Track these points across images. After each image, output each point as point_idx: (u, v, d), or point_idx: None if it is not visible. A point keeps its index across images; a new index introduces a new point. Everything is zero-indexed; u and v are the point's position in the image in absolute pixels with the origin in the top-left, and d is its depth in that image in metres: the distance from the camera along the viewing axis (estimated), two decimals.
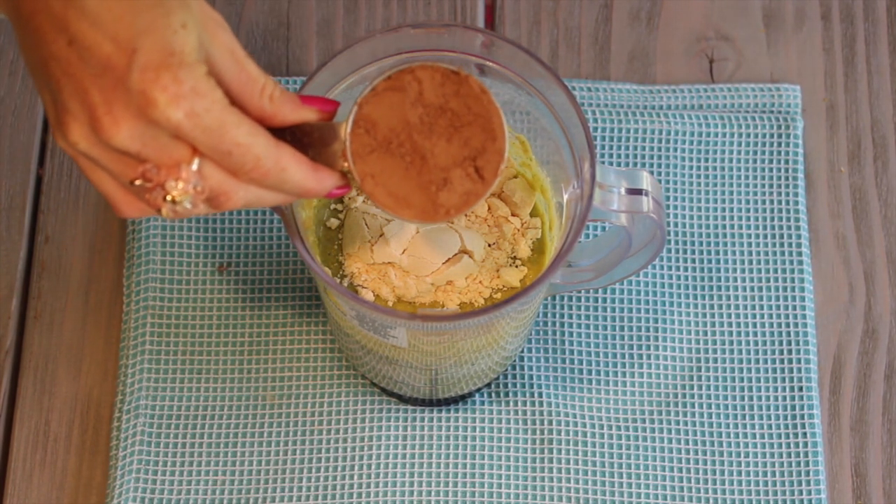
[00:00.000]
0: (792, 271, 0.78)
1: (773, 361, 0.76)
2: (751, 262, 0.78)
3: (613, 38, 0.84)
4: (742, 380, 0.76)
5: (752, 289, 0.78)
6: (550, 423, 0.75)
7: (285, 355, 0.76)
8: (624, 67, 0.84)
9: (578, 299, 0.78)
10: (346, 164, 0.59)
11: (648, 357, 0.77)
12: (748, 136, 0.81)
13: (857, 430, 0.76)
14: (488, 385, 0.76)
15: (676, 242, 0.79)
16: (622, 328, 0.77)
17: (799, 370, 0.76)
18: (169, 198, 0.55)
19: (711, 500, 0.74)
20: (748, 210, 0.79)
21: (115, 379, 0.77)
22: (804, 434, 0.75)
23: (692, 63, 0.84)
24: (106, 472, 0.75)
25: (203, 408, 0.75)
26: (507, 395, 0.76)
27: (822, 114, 0.83)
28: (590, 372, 0.76)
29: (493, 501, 0.73)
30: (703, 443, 0.75)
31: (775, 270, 0.78)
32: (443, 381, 0.72)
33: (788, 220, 0.79)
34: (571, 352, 0.77)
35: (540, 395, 0.75)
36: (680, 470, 0.74)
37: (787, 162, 0.80)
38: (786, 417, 0.75)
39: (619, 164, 0.80)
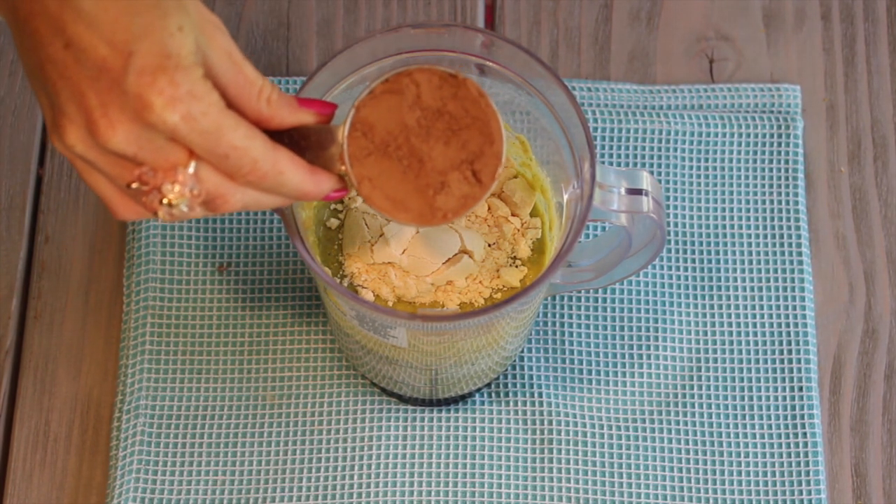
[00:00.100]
0: (792, 271, 0.78)
1: (773, 361, 0.76)
2: (751, 262, 0.78)
3: (613, 38, 0.84)
4: (742, 380, 0.76)
5: (752, 289, 0.78)
6: (550, 423, 0.75)
7: (285, 355, 0.76)
8: (624, 67, 0.84)
9: (578, 299, 0.78)
10: (343, 167, 0.59)
11: (648, 357, 0.77)
12: (748, 136, 0.81)
13: (857, 430, 0.76)
14: (488, 385, 0.76)
15: (676, 242, 0.79)
16: (622, 328, 0.77)
17: (799, 370, 0.76)
18: (165, 201, 0.55)
19: (711, 500, 0.74)
20: (748, 210, 0.79)
21: (115, 379, 0.77)
22: (804, 434, 0.75)
23: (692, 63, 0.84)
24: (106, 472, 0.75)
25: (203, 408, 0.75)
26: (507, 395, 0.76)
27: (822, 114, 0.83)
28: (590, 372, 0.76)
29: (493, 501, 0.73)
30: (703, 443, 0.75)
31: (775, 270, 0.78)
32: (443, 381, 0.72)
33: (788, 220, 0.79)
34: (571, 352, 0.77)
35: (540, 395, 0.75)
36: (680, 470, 0.74)
37: (787, 162, 0.80)
38: (786, 417, 0.75)
39: (619, 164, 0.80)
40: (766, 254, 0.78)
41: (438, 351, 0.68)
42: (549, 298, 0.77)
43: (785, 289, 0.78)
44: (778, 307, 0.77)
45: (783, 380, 0.76)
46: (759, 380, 0.76)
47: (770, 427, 0.75)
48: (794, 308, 0.77)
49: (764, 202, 0.79)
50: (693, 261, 0.78)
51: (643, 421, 0.75)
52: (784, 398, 0.75)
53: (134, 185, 0.55)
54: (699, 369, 0.76)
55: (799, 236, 0.79)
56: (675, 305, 0.78)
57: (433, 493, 0.74)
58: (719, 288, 0.78)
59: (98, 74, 0.52)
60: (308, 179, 0.57)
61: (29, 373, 0.77)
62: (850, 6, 0.85)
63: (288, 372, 0.76)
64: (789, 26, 0.84)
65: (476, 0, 0.85)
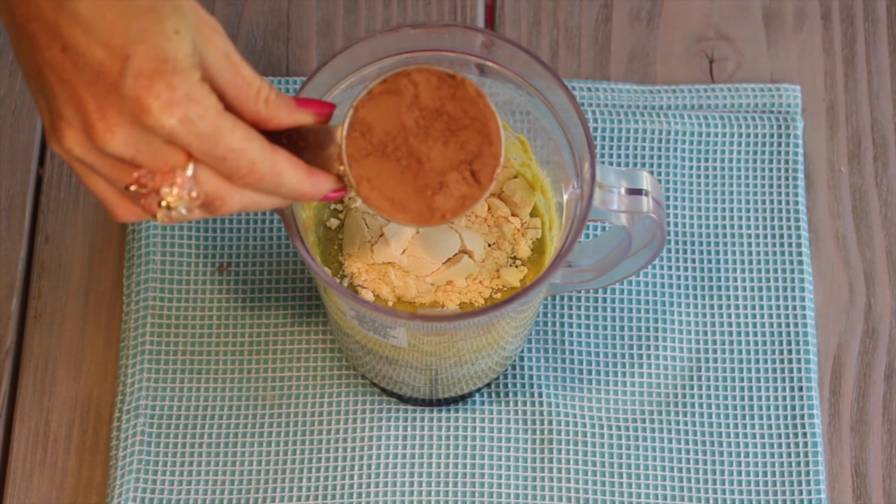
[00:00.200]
0: (792, 271, 0.78)
1: (773, 361, 0.76)
2: (751, 262, 0.78)
3: (613, 38, 0.84)
4: (742, 380, 0.76)
5: (752, 289, 0.78)
6: (550, 423, 0.75)
7: (285, 355, 0.76)
8: (624, 67, 0.84)
9: (578, 299, 0.78)
10: (341, 168, 0.59)
11: (648, 357, 0.77)
12: (748, 136, 0.81)
13: (857, 430, 0.76)
14: (488, 385, 0.76)
15: (676, 242, 0.79)
16: (622, 328, 0.77)
17: (799, 370, 0.76)
18: (164, 203, 0.55)
19: (711, 500, 0.74)
20: (748, 210, 0.79)
21: (115, 379, 0.77)
22: (804, 434, 0.75)
23: (692, 63, 0.84)
24: (106, 472, 0.75)
25: (203, 408, 0.75)
26: (507, 395, 0.76)
27: (822, 114, 0.83)
28: (590, 372, 0.76)
29: (493, 501, 0.73)
30: (703, 443, 0.75)
31: (775, 270, 0.78)
32: (443, 381, 0.72)
33: (788, 220, 0.79)
34: (571, 352, 0.77)
35: (540, 395, 0.75)
36: (680, 470, 0.74)
37: (787, 162, 0.80)
38: (786, 417, 0.75)
39: (619, 164, 0.80)
40: (766, 254, 0.78)
41: (438, 351, 0.68)
42: (549, 298, 0.77)
43: (785, 289, 0.78)
44: (778, 307, 0.77)
45: (783, 380, 0.76)
46: (759, 380, 0.76)
47: (770, 427, 0.75)
48: (794, 308, 0.77)
49: (764, 202, 0.79)
50: (693, 261, 0.78)
51: (643, 421, 0.75)
52: (784, 398, 0.75)
53: (132, 188, 0.55)
54: (699, 369, 0.76)
55: (799, 236, 0.79)
56: (675, 305, 0.78)
57: (433, 493, 0.74)
58: (719, 288, 0.78)
59: (95, 78, 0.52)
60: (306, 180, 0.57)
61: (29, 373, 0.77)
62: (850, 6, 0.85)
63: (288, 372, 0.76)
64: (789, 26, 0.84)
65: (476, 0, 0.85)
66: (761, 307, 0.77)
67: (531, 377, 0.76)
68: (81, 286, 0.79)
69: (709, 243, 0.79)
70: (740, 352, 0.77)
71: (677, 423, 0.75)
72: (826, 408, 0.77)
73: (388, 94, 0.58)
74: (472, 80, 0.59)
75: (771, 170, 0.80)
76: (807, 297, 0.77)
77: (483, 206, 0.69)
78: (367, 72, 0.65)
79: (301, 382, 0.76)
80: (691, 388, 0.76)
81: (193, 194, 0.55)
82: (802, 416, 0.75)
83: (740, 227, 0.79)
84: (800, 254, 0.78)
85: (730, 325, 0.77)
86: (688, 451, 0.75)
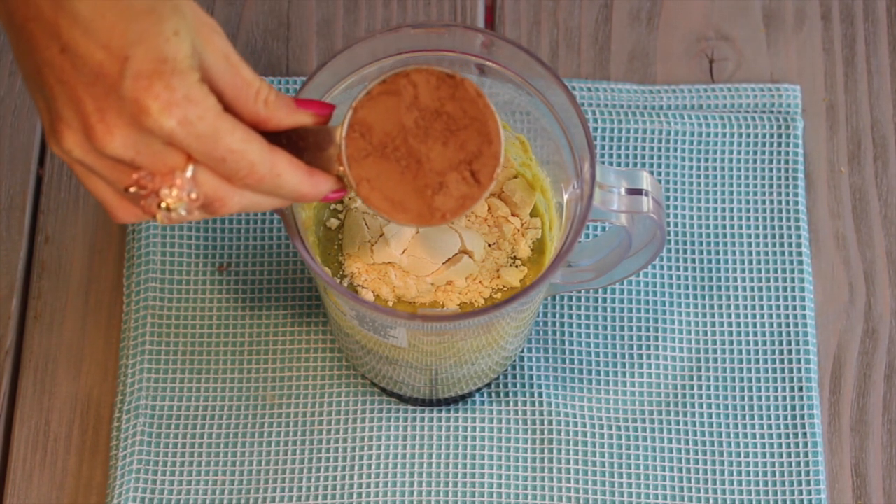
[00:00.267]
0: (792, 271, 0.78)
1: (773, 361, 0.76)
2: (751, 262, 0.78)
3: (613, 38, 0.84)
4: (742, 380, 0.76)
5: (752, 289, 0.78)
6: (550, 423, 0.75)
7: (285, 355, 0.76)
8: (624, 67, 0.84)
9: (578, 299, 0.78)
10: (341, 169, 0.59)
11: (648, 357, 0.77)
12: (748, 136, 0.81)
13: (857, 430, 0.76)
14: (488, 385, 0.76)
15: (676, 242, 0.79)
16: (622, 328, 0.77)
17: (799, 370, 0.76)
18: (163, 205, 0.55)
19: (711, 500, 0.74)
20: (748, 210, 0.79)
21: (115, 379, 0.77)
22: (804, 434, 0.75)
23: (692, 63, 0.84)
24: (106, 472, 0.75)
25: (203, 408, 0.75)
26: (507, 395, 0.76)
27: (822, 114, 0.83)
28: (590, 372, 0.76)
29: (493, 501, 0.73)
30: (703, 443, 0.75)
31: (775, 270, 0.78)
32: (443, 381, 0.72)
33: (788, 220, 0.79)
34: (571, 352, 0.77)
35: (540, 395, 0.75)
36: (680, 470, 0.74)
37: (787, 162, 0.80)
38: (786, 417, 0.75)
39: (619, 164, 0.80)
40: (766, 254, 0.78)
41: (438, 351, 0.68)
42: (549, 298, 0.77)
43: (785, 289, 0.78)
44: (778, 307, 0.77)
45: (783, 380, 0.76)
46: (759, 380, 0.76)
47: (770, 427, 0.75)
48: (794, 308, 0.77)
49: (764, 202, 0.79)
50: (693, 261, 0.78)
51: (643, 421, 0.75)
52: (784, 398, 0.75)
53: (132, 189, 0.55)
54: (699, 369, 0.76)
55: (799, 236, 0.79)
56: (675, 305, 0.78)
57: (433, 493, 0.74)
58: (719, 288, 0.78)
59: (94, 79, 0.52)
60: (306, 181, 0.57)
61: (29, 373, 0.77)
62: (850, 6, 0.85)
63: (288, 372, 0.76)
64: (789, 26, 0.84)
65: (476, 0, 0.85)
66: (761, 307, 0.77)
67: (531, 377, 0.76)
68: (81, 286, 0.79)
69: (709, 243, 0.79)
70: (740, 352, 0.77)
71: (677, 423, 0.75)
72: (826, 408, 0.77)
73: (387, 94, 0.58)
74: (472, 80, 0.59)
75: (771, 170, 0.80)
76: (807, 297, 0.77)
77: (483, 206, 0.69)
78: (367, 72, 0.65)
79: (301, 382, 0.76)
80: (691, 388, 0.76)
81: (193, 195, 0.55)
82: (802, 416, 0.75)
83: (740, 227, 0.79)
84: (800, 254, 0.78)
85: (730, 325, 0.77)
86: (688, 451, 0.75)
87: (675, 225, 0.79)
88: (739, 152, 0.80)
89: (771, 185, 0.80)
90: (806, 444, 0.75)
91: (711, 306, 0.77)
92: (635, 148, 0.80)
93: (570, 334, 0.77)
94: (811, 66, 0.84)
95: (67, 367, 0.77)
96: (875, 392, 0.77)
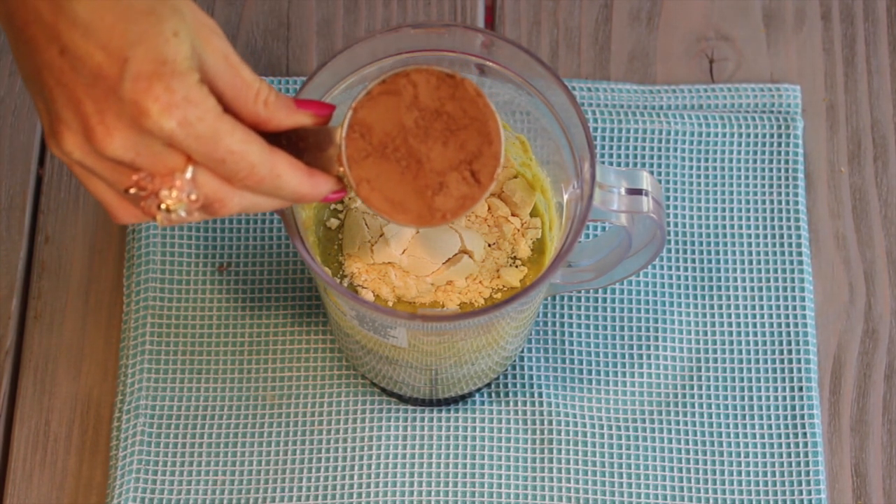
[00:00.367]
0: (792, 271, 0.78)
1: (773, 361, 0.76)
2: (751, 262, 0.78)
3: (613, 38, 0.84)
4: (742, 380, 0.76)
5: (752, 289, 0.78)
6: (550, 423, 0.75)
7: (285, 355, 0.76)
8: (624, 67, 0.84)
9: (578, 299, 0.78)
10: (341, 169, 0.58)
11: (648, 357, 0.77)
12: (748, 136, 0.81)
13: (857, 430, 0.76)
14: (488, 385, 0.76)
15: (676, 242, 0.79)
16: (622, 328, 0.77)
17: (799, 370, 0.76)
18: (163, 206, 0.55)
19: (711, 500, 0.74)
20: (748, 210, 0.79)
21: (115, 379, 0.77)
22: (804, 434, 0.75)
23: (692, 63, 0.84)
24: (106, 472, 0.75)
25: (203, 408, 0.75)
26: (507, 395, 0.76)
27: (822, 114, 0.83)
28: (590, 372, 0.76)
29: (493, 501, 0.73)
30: (703, 443, 0.75)
31: (775, 270, 0.78)
32: (443, 381, 0.72)
33: (788, 220, 0.79)
34: (571, 352, 0.77)
35: (540, 395, 0.75)
36: (680, 470, 0.74)
37: (787, 162, 0.80)
38: (786, 417, 0.75)
39: (619, 164, 0.80)
40: (766, 254, 0.78)
41: (438, 351, 0.68)
42: (549, 298, 0.77)
43: (785, 289, 0.78)
44: (778, 307, 0.77)
45: (783, 380, 0.76)
46: (759, 380, 0.76)
47: (770, 427, 0.75)
48: (794, 308, 0.77)
49: (764, 202, 0.79)
50: (693, 261, 0.78)
51: (643, 421, 0.75)
52: (784, 398, 0.75)
53: (132, 191, 0.55)
54: (699, 369, 0.76)
55: (799, 236, 0.79)
56: (675, 305, 0.78)
57: (433, 493, 0.74)
58: (719, 288, 0.78)
59: (94, 81, 0.52)
60: (306, 182, 0.57)
61: (29, 373, 0.77)
62: (850, 6, 0.85)
63: (288, 372, 0.76)
64: (789, 26, 0.84)
65: (476, 0, 0.85)
66: (761, 307, 0.77)
67: (531, 377, 0.76)
68: (81, 286, 0.79)
69: (709, 243, 0.79)
70: (740, 352, 0.77)
71: (677, 423, 0.75)
72: (826, 408, 0.76)
73: (387, 94, 0.58)
74: (472, 80, 0.59)
75: (771, 170, 0.80)
76: (807, 297, 0.77)
77: (483, 206, 0.69)
78: (367, 72, 0.65)
79: (301, 382, 0.76)
80: (691, 388, 0.76)
81: (193, 197, 0.55)
82: (802, 416, 0.75)
83: (740, 227, 0.79)
84: (800, 254, 0.78)
85: (730, 325, 0.77)
86: (688, 451, 0.75)
87: (675, 225, 0.79)
88: (739, 152, 0.80)
89: (771, 185, 0.80)
90: (806, 444, 0.75)
91: (711, 306, 0.77)
92: (635, 148, 0.80)
93: (570, 334, 0.77)
94: (811, 66, 0.84)
95: (67, 367, 0.77)
96: (875, 392, 0.77)
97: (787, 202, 0.79)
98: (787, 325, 0.77)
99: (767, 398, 0.76)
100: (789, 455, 0.74)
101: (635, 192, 0.64)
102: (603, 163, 0.80)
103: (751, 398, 0.76)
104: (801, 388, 0.76)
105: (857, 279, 0.79)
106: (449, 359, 0.69)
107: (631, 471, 0.74)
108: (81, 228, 0.80)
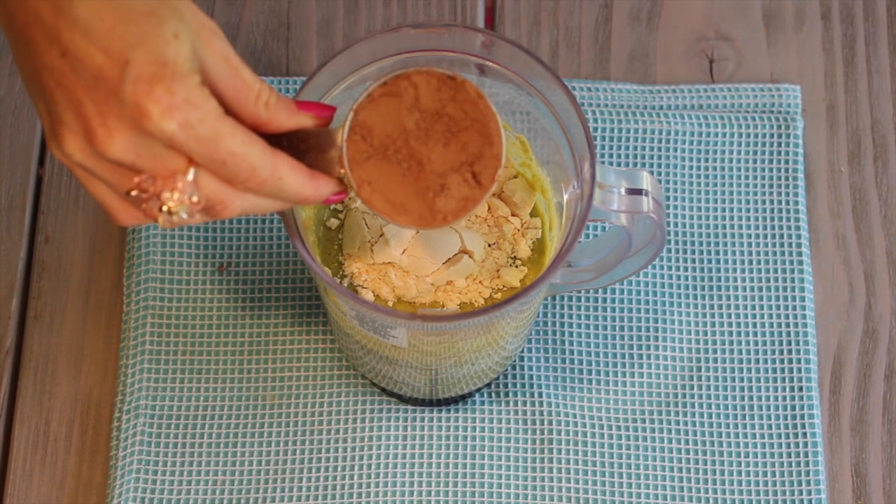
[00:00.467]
0: (792, 271, 0.78)
1: (773, 361, 0.76)
2: (751, 262, 0.78)
3: (613, 38, 0.84)
4: (742, 380, 0.76)
5: (752, 289, 0.78)
6: (550, 423, 0.75)
7: (285, 355, 0.76)
8: (624, 67, 0.84)
9: (578, 299, 0.78)
10: (342, 171, 0.58)
11: (648, 357, 0.77)
12: (748, 136, 0.81)
13: (857, 430, 0.76)
14: (488, 385, 0.76)
15: (676, 242, 0.79)
16: (622, 328, 0.77)
17: (799, 370, 0.76)
18: (165, 208, 0.55)
19: (711, 500, 0.74)
20: (748, 210, 0.79)
21: (115, 379, 0.77)
22: (804, 434, 0.75)
23: (692, 63, 0.84)
24: (106, 472, 0.75)
25: (203, 408, 0.75)
26: (507, 395, 0.76)
27: (822, 114, 0.83)
28: (590, 372, 0.76)
29: (493, 501, 0.73)
30: (703, 443, 0.75)
31: (775, 270, 0.78)
32: (443, 381, 0.72)
33: (788, 220, 0.79)
34: (571, 352, 0.77)
35: (540, 395, 0.75)
36: (680, 470, 0.74)
37: (787, 162, 0.80)
38: (786, 417, 0.75)
39: (619, 164, 0.80)
40: (766, 254, 0.78)
41: (438, 351, 0.68)
42: (549, 298, 0.77)
43: (785, 289, 0.78)
44: (778, 307, 0.77)
45: (783, 380, 0.76)
46: (759, 380, 0.76)
47: (770, 427, 0.75)
48: (794, 308, 0.77)
49: (764, 202, 0.79)
50: (693, 261, 0.78)
51: (643, 421, 0.75)
52: (784, 398, 0.76)
53: (133, 193, 0.55)
54: (699, 369, 0.76)
55: (799, 236, 0.79)
56: (675, 305, 0.78)
57: (433, 493, 0.74)
58: (719, 288, 0.78)
59: (95, 83, 0.52)
60: (307, 184, 0.57)
61: (29, 373, 0.77)
62: (850, 6, 0.85)
63: (288, 372, 0.76)
64: (789, 26, 0.84)
65: (476, 0, 0.85)
66: (761, 307, 0.77)
67: (531, 377, 0.76)
68: (81, 286, 0.79)
69: (709, 243, 0.79)
70: (740, 352, 0.77)
71: (677, 423, 0.75)
72: (826, 408, 0.77)
73: (388, 96, 0.58)
74: (473, 80, 0.59)
75: (771, 170, 0.80)
76: (807, 297, 0.77)
77: (483, 206, 0.69)
78: (367, 72, 0.65)
79: (301, 382, 0.76)
80: (691, 388, 0.76)
81: (194, 199, 0.55)
82: (802, 416, 0.75)
83: (740, 227, 0.79)
84: (800, 254, 0.78)
85: (730, 325, 0.77)
86: (688, 451, 0.75)
87: (675, 225, 0.79)
88: (739, 152, 0.80)
89: (771, 185, 0.80)
90: (806, 444, 0.75)
91: (711, 306, 0.77)
92: (635, 148, 0.80)
93: (570, 334, 0.77)
94: (811, 66, 0.84)
95: (67, 367, 0.77)
96: (875, 392, 0.77)
97: (787, 202, 0.79)
98: (787, 325, 0.77)
99: (767, 398, 0.76)
100: (789, 455, 0.74)
101: (635, 192, 0.64)
102: (603, 163, 0.80)
103: (751, 398, 0.76)
104: (801, 388, 0.76)
105: (857, 279, 0.79)
106: (449, 359, 0.69)
107: (631, 471, 0.74)
108: (81, 228, 0.80)
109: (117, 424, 0.75)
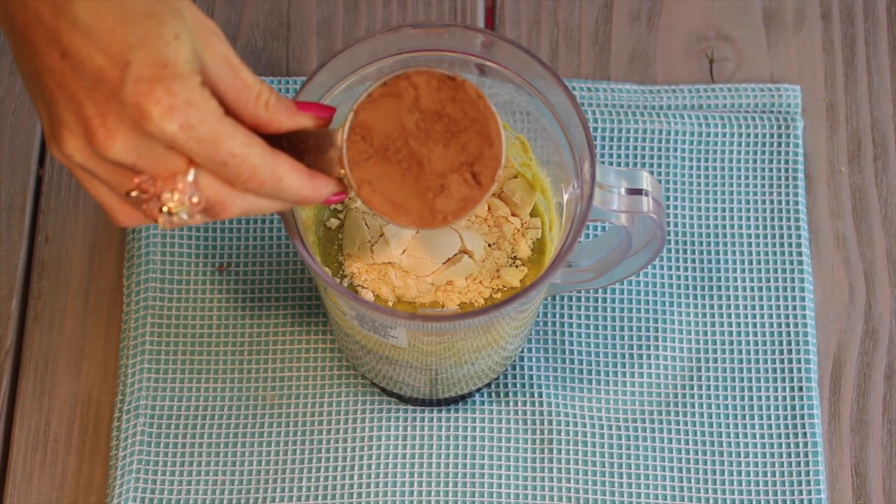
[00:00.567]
0: (792, 271, 0.78)
1: (773, 361, 0.76)
2: (751, 262, 0.78)
3: (613, 38, 0.84)
4: (742, 380, 0.76)
5: (752, 289, 0.78)
6: (550, 423, 0.75)
7: (285, 355, 0.76)
8: (624, 67, 0.84)
9: (578, 299, 0.78)
10: (342, 171, 0.58)
11: (648, 357, 0.77)
12: (748, 136, 0.81)
13: (857, 430, 0.76)
14: (488, 385, 0.76)
15: (676, 242, 0.79)
16: (622, 328, 0.77)
17: (799, 370, 0.76)
18: (165, 209, 0.55)
19: (711, 500, 0.74)
20: (748, 210, 0.79)
21: (115, 379, 0.77)
22: (804, 434, 0.75)
23: (692, 63, 0.84)
24: (106, 472, 0.75)
25: (203, 408, 0.75)
26: (507, 395, 0.76)
27: (822, 114, 0.83)
28: (590, 372, 0.76)
29: (493, 501, 0.73)
30: (703, 443, 0.75)
31: (775, 270, 0.78)
32: (443, 381, 0.72)
33: (788, 220, 0.79)
34: (571, 352, 0.77)
35: (540, 395, 0.75)
36: (680, 470, 0.74)
37: (787, 162, 0.80)
38: (786, 417, 0.75)
39: (619, 164, 0.80)
40: (766, 254, 0.78)
41: (438, 351, 0.68)
42: (549, 298, 0.77)
43: (785, 289, 0.78)
44: (778, 307, 0.77)
45: (783, 380, 0.76)
46: (759, 380, 0.76)
47: (770, 427, 0.75)
48: (794, 308, 0.77)
49: (764, 202, 0.79)
50: (693, 261, 0.78)
51: (643, 421, 0.75)
52: (784, 398, 0.76)
53: (133, 194, 0.55)
54: (699, 369, 0.76)
55: (799, 236, 0.79)
56: (675, 305, 0.78)
57: (433, 493, 0.74)
58: (719, 288, 0.78)
59: (95, 84, 0.52)
60: (307, 184, 0.57)
61: (29, 373, 0.77)
62: (850, 6, 0.85)
63: (288, 372, 0.76)
64: (789, 26, 0.84)
65: (476, 0, 0.85)
66: (761, 307, 0.77)
67: (531, 377, 0.76)
68: (81, 286, 0.79)
69: (709, 243, 0.79)
70: (740, 352, 0.77)
71: (677, 423, 0.75)
72: (826, 408, 0.77)
73: (388, 96, 0.58)
74: (473, 80, 0.59)
75: (771, 170, 0.80)
76: (807, 297, 0.77)
77: (483, 206, 0.69)
78: (367, 72, 0.65)
79: (301, 382, 0.76)
80: (691, 388, 0.76)
81: (195, 199, 0.55)
82: (802, 416, 0.75)
83: (740, 227, 0.79)
84: (800, 254, 0.78)
85: (730, 325, 0.77)
86: (688, 451, 0.75)
87: (675, 225, 0.79)
88: (739, 152, 0.80)
89: (771, 185, 0.80)
90: (806, 444, 0.75)
91: (711, 306, 0.77)
92: (635, 148, 0.80)
93: (570, 334, 0.77)
94: (811, 66, 0.84)
95: (67, 367, 0.77)
96: (875, 392, 0.77)
97: (787, 202, 0.79)
98: (787, 325, 0.77)
99: (767, 398, 0.76)
100: (789, 455, 0.74)
101: (635, 192, 0.64)
102: (603, 163, 0.80)
103: (751, 398, 0.76)
104: (801, 388, 0.76)
105: (857, 279, 0.79)
106: (449, 359, 0.69)
107: (631, 471, 0.74)
108: (81, 228, 0.80)
109: (117, 424, 0.75)
